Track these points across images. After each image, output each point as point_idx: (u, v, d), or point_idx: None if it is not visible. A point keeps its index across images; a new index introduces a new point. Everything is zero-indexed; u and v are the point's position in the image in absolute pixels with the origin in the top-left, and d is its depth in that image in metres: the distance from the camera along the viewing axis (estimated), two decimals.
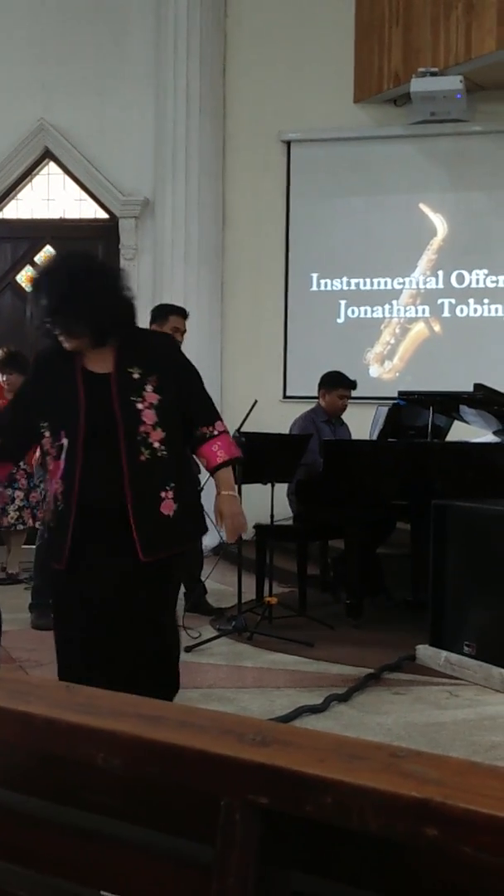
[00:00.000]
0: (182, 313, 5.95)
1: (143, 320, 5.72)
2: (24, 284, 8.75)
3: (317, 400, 6.60)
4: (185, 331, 5.92)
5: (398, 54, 8.14)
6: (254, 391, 6.80)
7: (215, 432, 3.22)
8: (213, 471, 3.26)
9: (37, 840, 1.40)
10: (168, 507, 3.06)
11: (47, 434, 3.12)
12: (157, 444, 3.04)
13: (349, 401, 6.55)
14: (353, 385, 6.51)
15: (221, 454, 3.22)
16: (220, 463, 3.22)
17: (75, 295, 3.00)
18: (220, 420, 3.28)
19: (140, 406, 3.04)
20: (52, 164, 8.94)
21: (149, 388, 3.06)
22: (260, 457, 5.50)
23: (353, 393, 6.55)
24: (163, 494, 3.05)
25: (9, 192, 8.95)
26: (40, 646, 5.17)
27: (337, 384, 6.48)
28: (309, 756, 1.15)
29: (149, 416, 3.04)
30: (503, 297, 8.34)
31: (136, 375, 3.07)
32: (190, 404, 3.20)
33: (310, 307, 8.68)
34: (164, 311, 5.97)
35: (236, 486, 3.34)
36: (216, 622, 5.82)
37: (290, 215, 8.69)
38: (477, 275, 8.38)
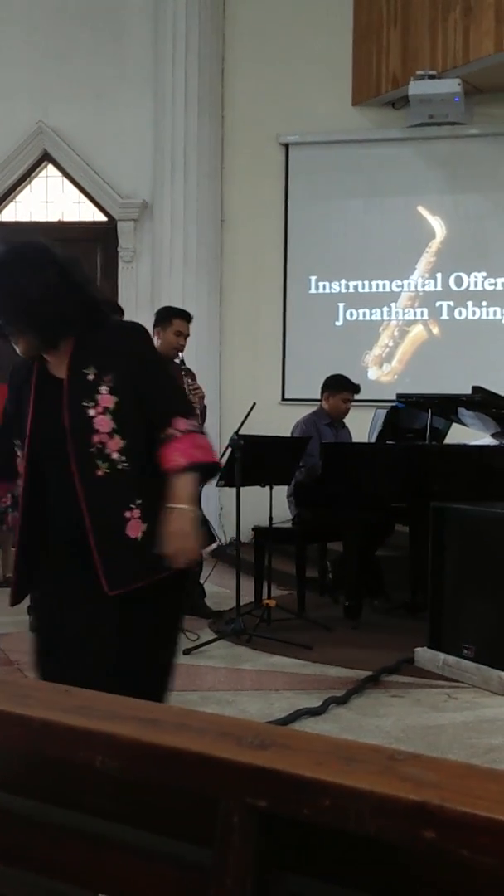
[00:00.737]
0: (186, 316, 5.92)
1: (144, 324, 5.73)
2: None
3: (317, 402, 6.61)
4: (188, 334, 5.90)
5: (396, 57, 8.15)
6: (252, 393, 6.79)
7: (177, 433, 2.60)
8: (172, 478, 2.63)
9: (34, 842, 1.40)
10: (135, 529, 2.57)
11: (19, 453, 2.71)
12: (116, 456, 2.56)
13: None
14: (357, 389, 6.54)
15: (178, 458, 2.59)
16: (177, 468, 2.59)
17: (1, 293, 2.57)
18: (186, 417, 2.66)
19: (92, 412, 2.57)
20: (50, 167, 8.94)
21: (103, 389, 2.58)
22: (258, 459, 5.51)
23: None
24: (127, 514, 2.57)
25: (7, 195, 8.95)
26: None
27: (341, 388, 6.50)
28: (307, 759, 1.15)
29: (103, 423, 2.56)
30: (501, 300, 8.35)
31: (90, 377, 2.59)
32: (147, 402, 2.63)
33: (308, 309, 8.68)
34: (167, 315, 5.95)
35: (197, 499, 2.71)
36: (215, 625, 5.82)
37: (288, 218, 8.70)
38: (475, 277, 8.39)
